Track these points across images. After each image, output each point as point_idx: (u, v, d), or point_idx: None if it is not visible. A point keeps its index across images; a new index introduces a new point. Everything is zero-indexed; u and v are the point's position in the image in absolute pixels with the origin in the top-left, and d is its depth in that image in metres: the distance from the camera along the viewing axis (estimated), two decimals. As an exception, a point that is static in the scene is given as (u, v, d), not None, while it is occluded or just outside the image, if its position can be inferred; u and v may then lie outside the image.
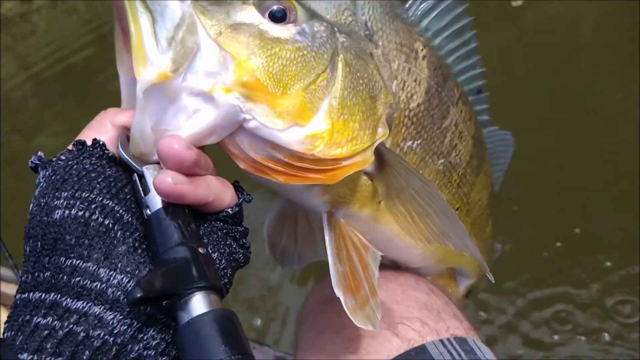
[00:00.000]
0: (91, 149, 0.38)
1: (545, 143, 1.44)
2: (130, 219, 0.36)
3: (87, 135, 0.39)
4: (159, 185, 0.36)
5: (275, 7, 0.42)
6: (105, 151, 0.38)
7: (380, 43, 0.49)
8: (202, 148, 0.40)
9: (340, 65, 0.44)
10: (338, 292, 0.47)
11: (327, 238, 0.50)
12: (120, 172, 0.38)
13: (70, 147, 0.38)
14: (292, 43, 0.42)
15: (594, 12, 2.28)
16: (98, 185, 0.36)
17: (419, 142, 0.53)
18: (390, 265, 0.62)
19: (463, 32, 0.58)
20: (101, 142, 0.38)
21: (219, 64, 0.39)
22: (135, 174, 0.38)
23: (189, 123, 0.38)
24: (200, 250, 0.35)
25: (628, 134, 1.50)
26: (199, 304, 0.33)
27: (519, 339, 1.20)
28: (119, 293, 0.33)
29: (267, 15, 0.42)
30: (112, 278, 0.33)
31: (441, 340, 0.52)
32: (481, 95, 0.63)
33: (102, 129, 0.39)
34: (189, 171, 0.37)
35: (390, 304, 0.56)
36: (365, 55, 0.47)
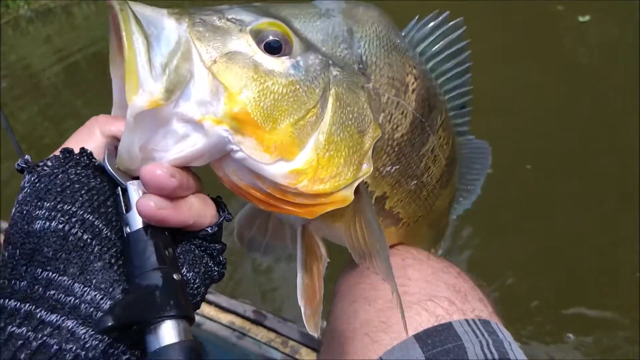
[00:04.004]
0: (78, 157, 0.37)
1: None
2: (109, 234, 0.36)
3: (77, 141, 0.39)
4: (142, 208, 0.36)
5: (271, 38, 0.42)
6: (92, 160, 0.38)
7: (372, 77, 0.49)
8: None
9: (330, 100, 0.44)
10: (301, 302, 0.49)
11: (299, 252, 0.52)
12: (104, 183, 0.38)
13: (57, 153, 0.38)
14: (285, 77, 0.42)
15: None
16: (80, 198, 0.36)
17: (397, 167, 0.55)
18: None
19: (458, 54, 0.59)
20: (88, 152, 0.38)
21: (211, 93, 0.39)
22: (119, 188, 0.38)
23: (177, 146, 0.38)
24: (175, 276, 0.36)
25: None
26: (168, 333, 0.33)
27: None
28: (91, 309, 0.33)
29: (262, 46, 0.42)
30: (85, 294, 0.34)
31: (466, 320, 0.54)
32: (463, 110, 0.65)
33: (91, 137, 0.39)
34: (170, 196, 0.37)
35: (422, 282, 0.59)
36: (357, 88, 0.47)
